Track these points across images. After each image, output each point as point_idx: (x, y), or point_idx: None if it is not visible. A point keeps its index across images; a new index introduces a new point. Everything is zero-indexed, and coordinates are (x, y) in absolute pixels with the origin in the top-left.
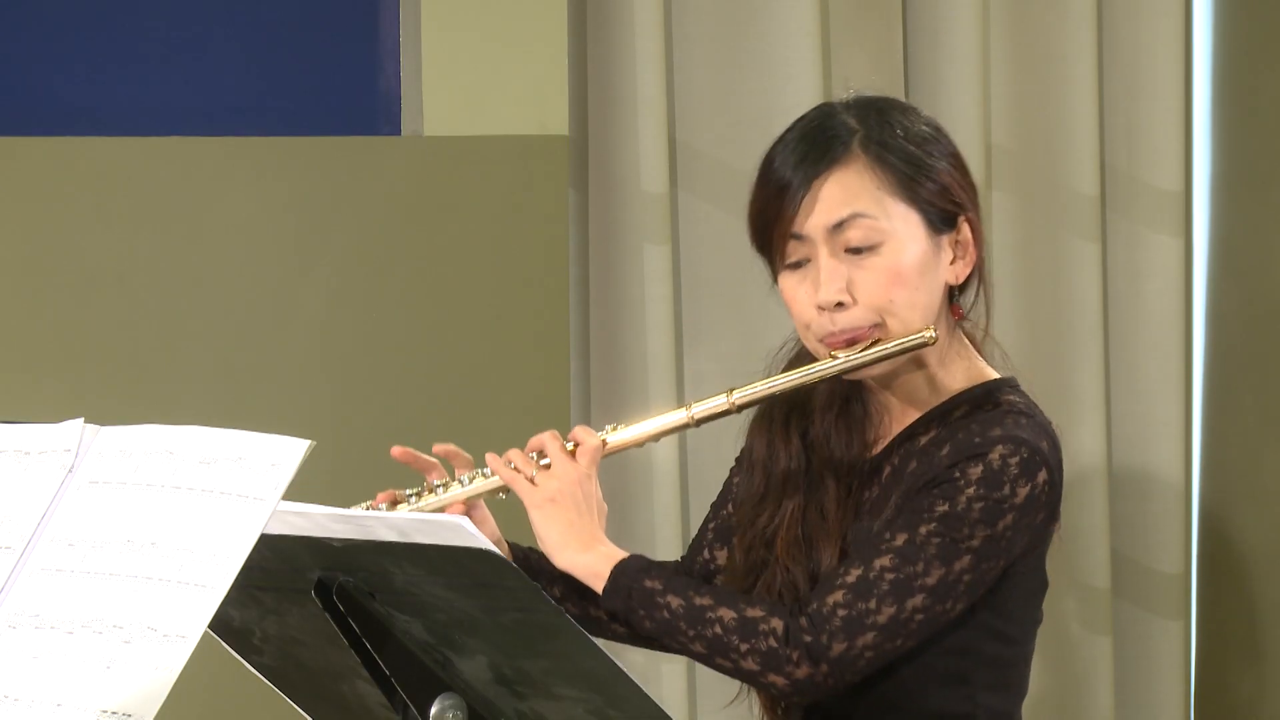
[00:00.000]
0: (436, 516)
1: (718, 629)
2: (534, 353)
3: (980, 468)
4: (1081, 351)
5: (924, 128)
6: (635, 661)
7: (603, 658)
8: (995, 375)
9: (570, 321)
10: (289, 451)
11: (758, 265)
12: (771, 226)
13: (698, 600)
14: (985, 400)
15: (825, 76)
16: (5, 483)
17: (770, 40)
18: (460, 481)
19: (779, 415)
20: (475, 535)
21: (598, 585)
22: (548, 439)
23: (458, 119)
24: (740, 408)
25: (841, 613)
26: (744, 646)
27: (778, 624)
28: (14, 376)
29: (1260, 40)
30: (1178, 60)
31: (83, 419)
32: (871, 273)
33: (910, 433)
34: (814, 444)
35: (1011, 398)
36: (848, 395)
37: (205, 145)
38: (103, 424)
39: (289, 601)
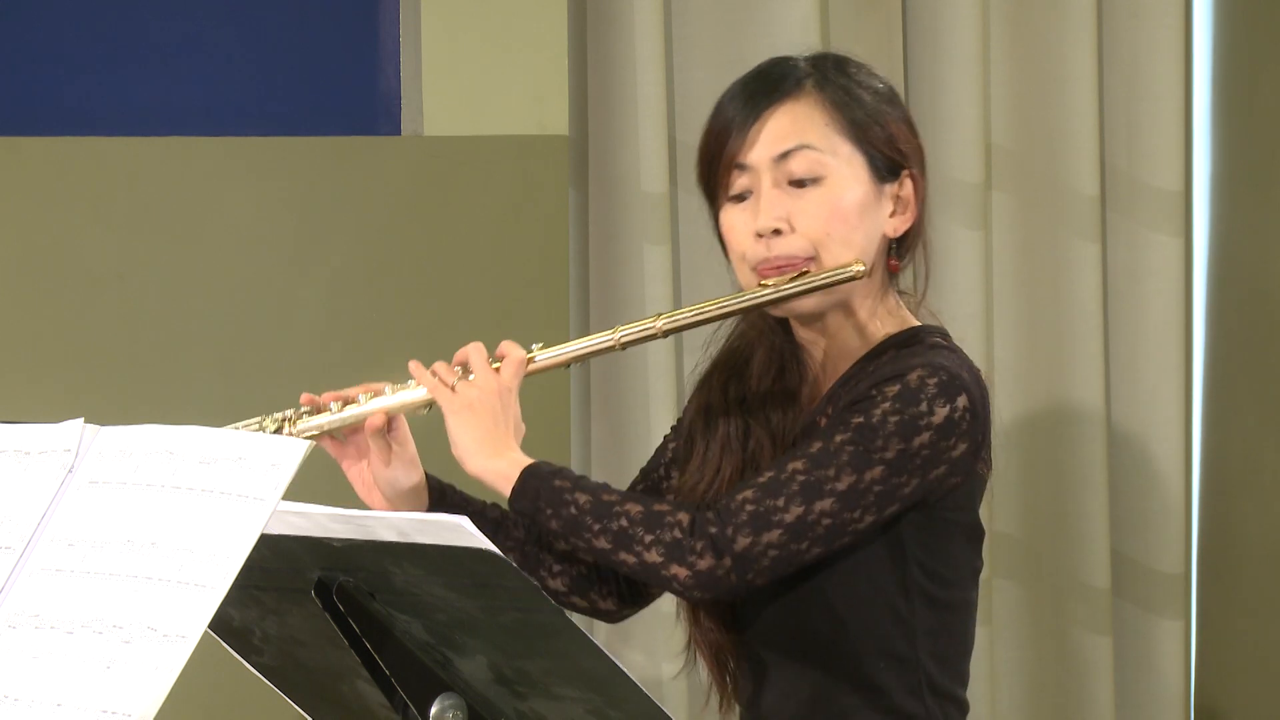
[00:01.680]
0: (437, 516)
1: (623, 521)
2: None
3: (898, 386)
4: (1081, 351)
5: (879, 84)
6: (635, 661)
7: (603, 658)
8: (919, 324)
9: (570, 321)
10: (289, 451)
11: None
12: (717, 158)
13: (605, 496)
14: (910, 341)
15: None
16: (5, 483)
17: (770, 40)
18: (385, 392)
19: (716, 383)
20: (475, 535)
21: (506, 488)
22: (472, 350)
23: (458, 119)
24: (667, 333)
25: (749, 508)
26: (648, 538)
27: (684, 516)
28: (14, 376)
29: (1260, 40)
30: (1178, 60)
31: (83, 419)
32: (812, 204)
33: (841, 383)
34: (750, 409)
35: (937, 339)
36: (784, 360)
37: (205, 145)
38: (103, 424)
39: (289, 601)
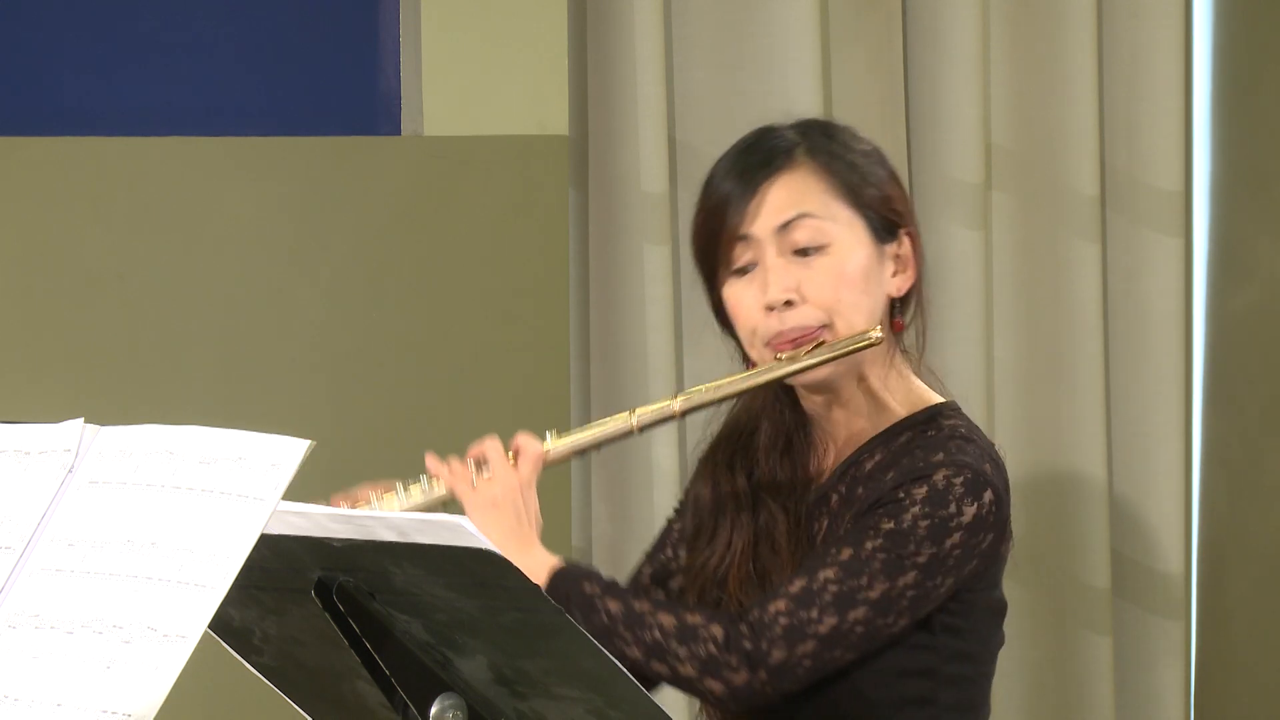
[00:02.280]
0: (437, 516)
1: (656, 634)
2: (534, 353)
3: (925, 488)
4: (1081, 351)
5: (864, 144)
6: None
7: (603, 658)
8: (936, 399)
9: (570, 321)
10: (289, 451)
11: None
12: (718, 233)
13: (637, 606)
14: (928, 425)
15: (825, 76)
16: (5, 483)
17: (770, 40)
18: (399, 491)
19: (723, 457)
20: (475, 535)
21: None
22: (489, 445)
23: (458, 119)
24: (684, 413)
25: (783, 621)
26: (682, 651)
27: (717, 630)
28: (14, 376)
29: (1260, 40)
30: (1178, 60)
31: (83, 419)
32: (820, 273)
33: (855, 459)
34: (760, 482)
35: (953, 422)
36: (790, 432)
37: (205, 145)
38: (103, 424)
39: (289, 601)
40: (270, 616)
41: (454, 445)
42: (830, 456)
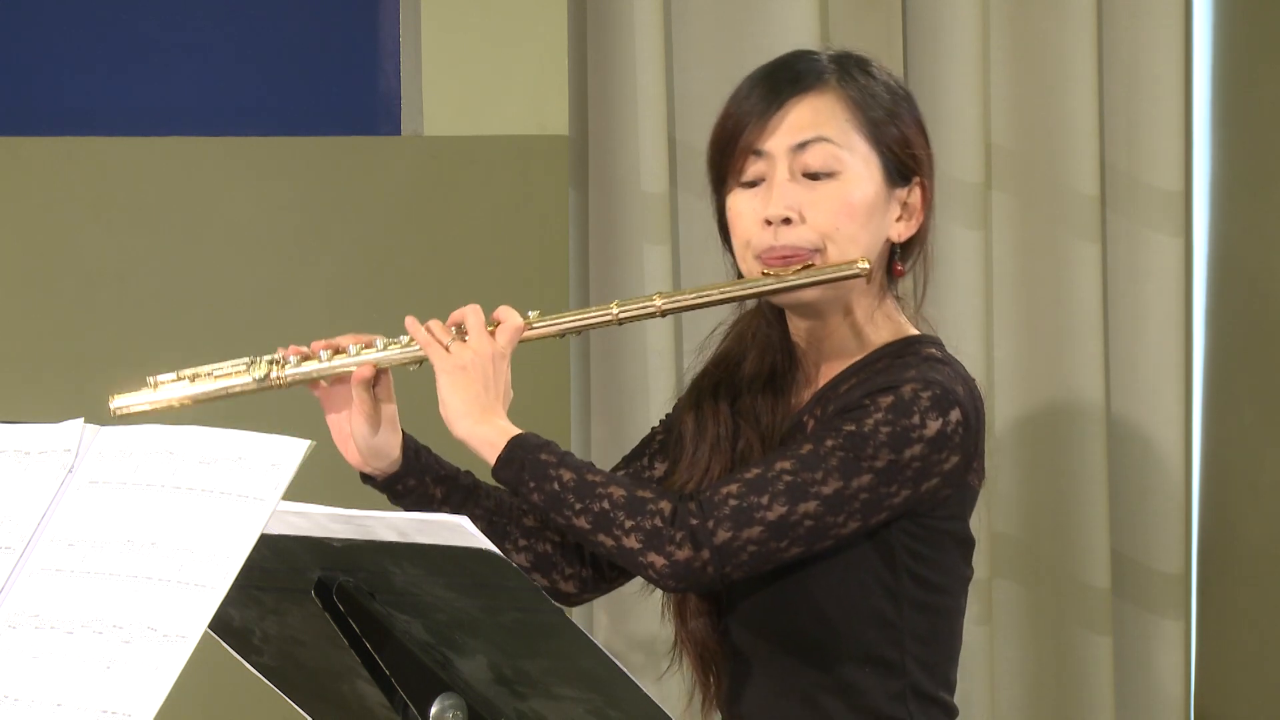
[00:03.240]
0: (437, 516)
1: (605, 504)
2: (534, 353)
3: (891, 397)
4: (1081, 351)
5: (899, 88)
6: (635, 662)
7: (603, 658)
8: (915, 331)
9: None
10: (289, 451)
11: None
12: (734, 141)
13: (590, 476)
14: (905, 351)
15: None
16: (5, 483)
17: (770, 40)
18: (376, 345)
19: (708, 384)
20: (476, 535)
21: (491, 455)
22: (469, 312)
23: (458, 119)
24: (665, 312)
25: (732, 503)
26: (628, 523)
27: (665, 505)
28: (14, 376)
29: (1260, 40)
30: (1178, 60)
31: (83, 419)
32: (824, 198)
33: (832, 385)
34: (741, 410)
35: (931, 350)
36: (776, 363)
37: (205, 145)
38: (103, 424)
39: (289, 601)
40: (270, 616)
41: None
42: (812, 387)
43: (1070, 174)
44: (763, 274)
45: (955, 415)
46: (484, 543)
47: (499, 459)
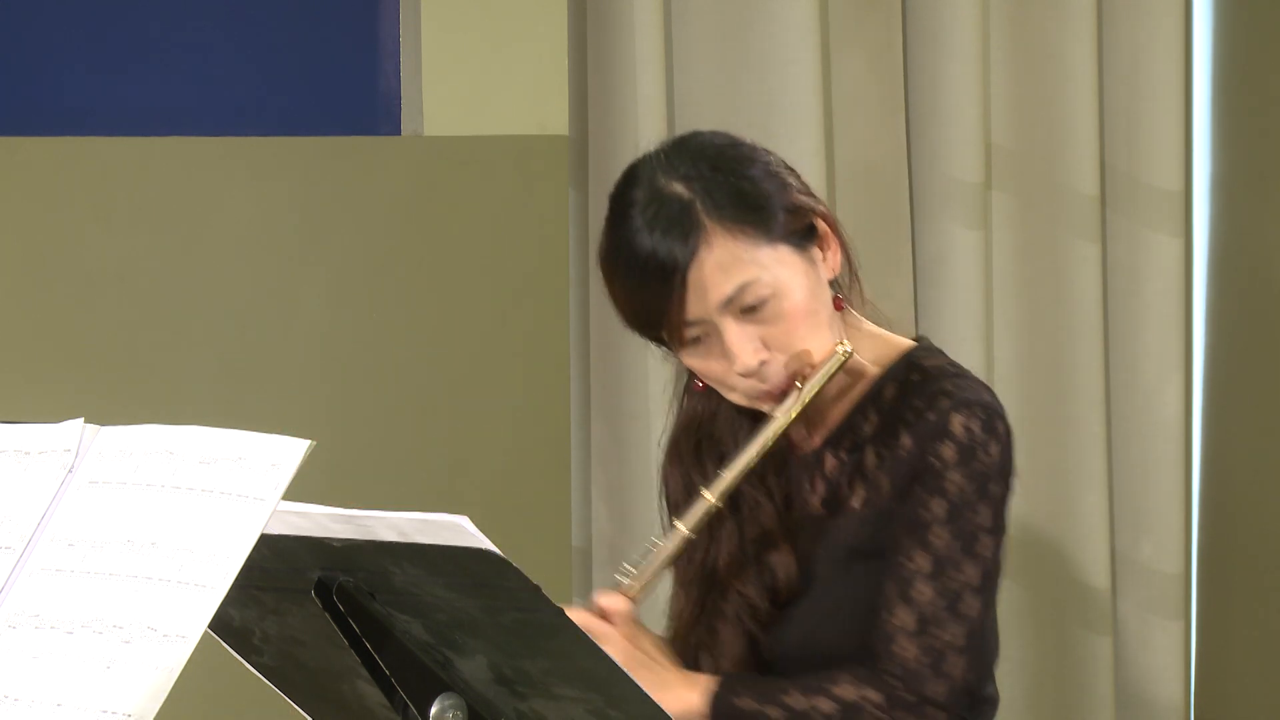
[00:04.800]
0: (437, 516)
1: None
2: (534, 353)
3: (951, 447)
4: (1081, 351)
5: (742, 159)
6: None
7: (603, 658)
8: (903, 342)
9: (570, 322)
10: (289, 451)
11: None
12: (660, 320)
13: (793, 703)
14: (909, 371)
15: (825, 76)
16: (5, 483)
17: (770, 40)
18: None
19: (687, 448)
20: (475, 535)
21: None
22: (579, 618)
23: (458, 119)
24: (721, 500)
25: (922, 659)
26: None
27: (873, 695)
28: (14, 376)
29: (1260, 40)
30: (1178, 60)
31: (83, 419)
32: (775, 324)
33: (850, 424)
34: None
35: (933, 361)
36: (753, 412)
37: (205, 145)
38: (103, 424)
39: (289, 601)
40: (270, 616)
41: (453, 445)
42: (815, 429)
43: (1070, 174)
44: (772, 416)
45: (1001, 427)
46: (484, 542)
47: None
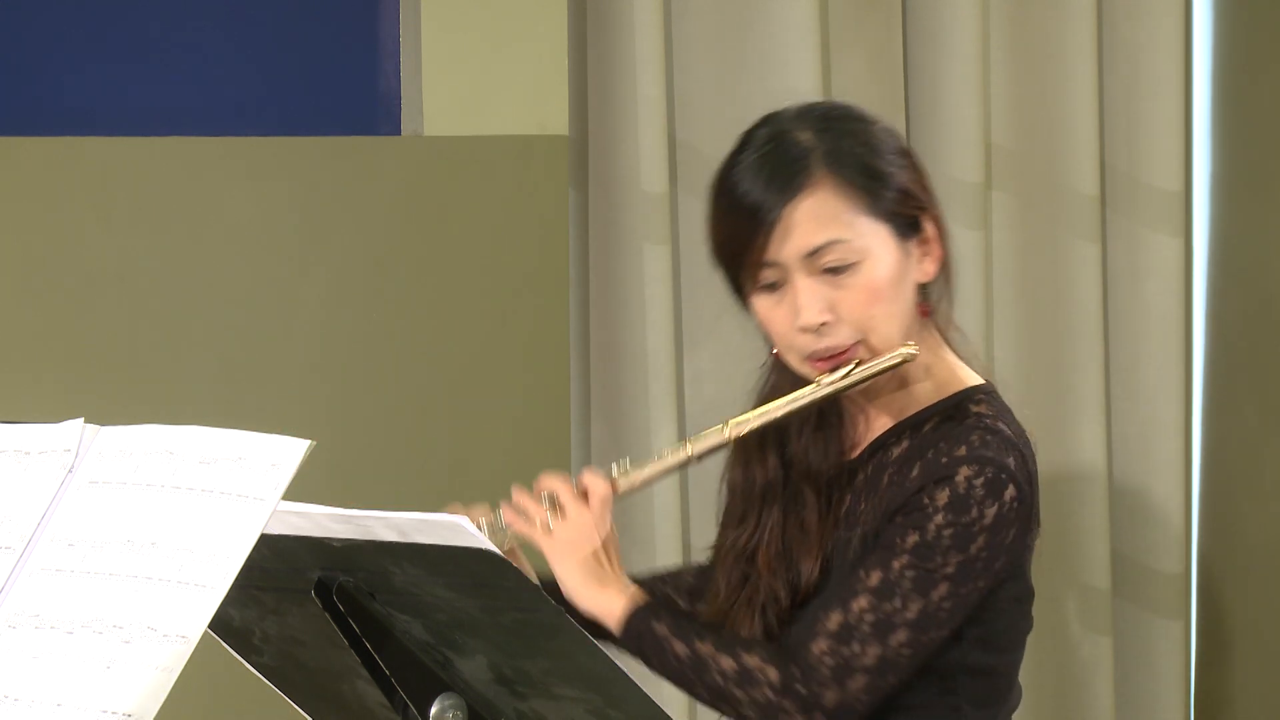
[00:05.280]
0: (436, 516)
1: (719, 678)
2: (534, 353)
3: (947, 492)
4: (1081, 351)
5: (872, 129)
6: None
7: (603, 658)
8: (968, 382)
9: (570, 321)
10: (289, 451)
11: None
12: (742, 254)
13: (700, 648)
14: (955, 411)
15: (825, 76)
16: (5, 483)
17: (770, 40)
18: (481, 527)
19: (754, 439)
20: (475, 535)
21: (614, 628)
22: (560, 488)
23: (458, 119)
24: (735, 438)
25: (829, 661)
26: (743, 696)
27: (774, 674)
28: (14, 376)
29: (1260, 40)
30: (1178, 60)
31: (83, 419)
32: (851, 291)
33: (882, 442)
34: (792, 458)
35: (981, 409)
36: (823, 407)
37: (205, 145)
38: (103, 424)
39: (289, 601)
40: (270, 616)
41: (453, 445)
42: (860, 432)
43: (1070, 174)
44: (815, 382)
45: (1009, 493)
46: (484, 543)
47: (620, 634)
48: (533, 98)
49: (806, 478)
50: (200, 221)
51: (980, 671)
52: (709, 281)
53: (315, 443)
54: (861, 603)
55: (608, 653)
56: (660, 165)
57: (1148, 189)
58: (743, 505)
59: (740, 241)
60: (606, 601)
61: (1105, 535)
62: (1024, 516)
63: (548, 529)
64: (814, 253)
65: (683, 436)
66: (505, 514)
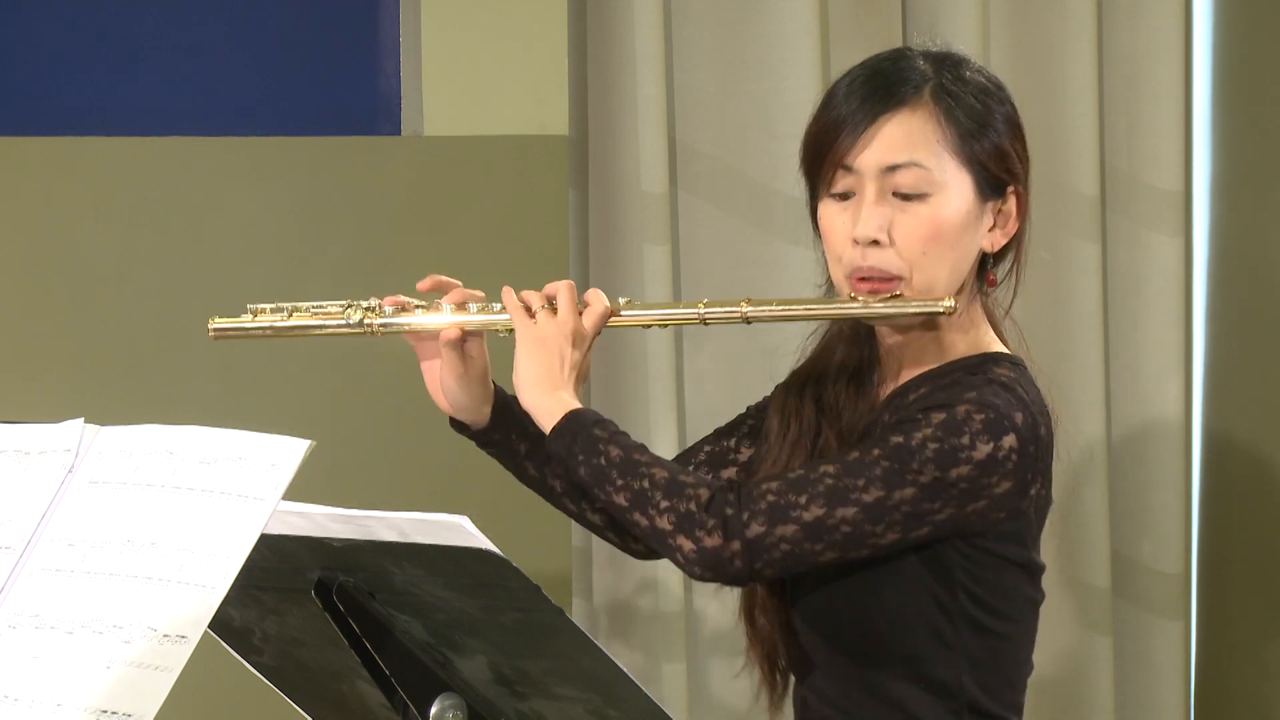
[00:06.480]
0: (437, 516)
1: (645, 483)
2: None
3: (943, 415)
4: (1082, 351)
5: (993, 88)
6: (635, 661)
7: (603, 658)
8: (999, 348)
9: None
10: (289, 451)
11: (757, 265)
12: (825, 153)
13: (637, 455)
14: (978, 368)
15: (825, 77)
16: (5, 483)
17: (770, 40)
18: (470, 309)
19: (796, 382)
20: (475, 535)
21: (549, 426)
22: (563, 287)
23: (458, 119)
24: (750, 320)
25: (770, 498)
26: (664, 503)
27: (704, 492)
28: (14, 376)
29: (1260, 41)
30: (1178, 60)
31: (83, 419)
32: (914, 220)
33: (902, 389)
34: (824, 409)
35: (1003, 370)
36: (861, 363)
37: (205, 145)
38: (103, 424)
39: (289, 601)
40: (270, 616)
41: (453, 445)
42: (889, 382)
43: (1070, 174)
44: (850, 297)
45: (1009, 441)
46: (484, 542)
47: (553, 430)
48: (533, 98)
49: (833, 424)
50: (200, 221)
51: (978, 629)
52: (709, 281)
53: (315, 443)
54: (828, 468)
55: (607, 653)
56: (660, 165)
57: (1148, 189)
58: (776, 447)
59: (827, 142)
60: (551, 402)
61: (1105, 535)
62: (1020, 475)
63: (530, 317)
64: (891, 169)
65: (683, 436)
66: (504, 294)
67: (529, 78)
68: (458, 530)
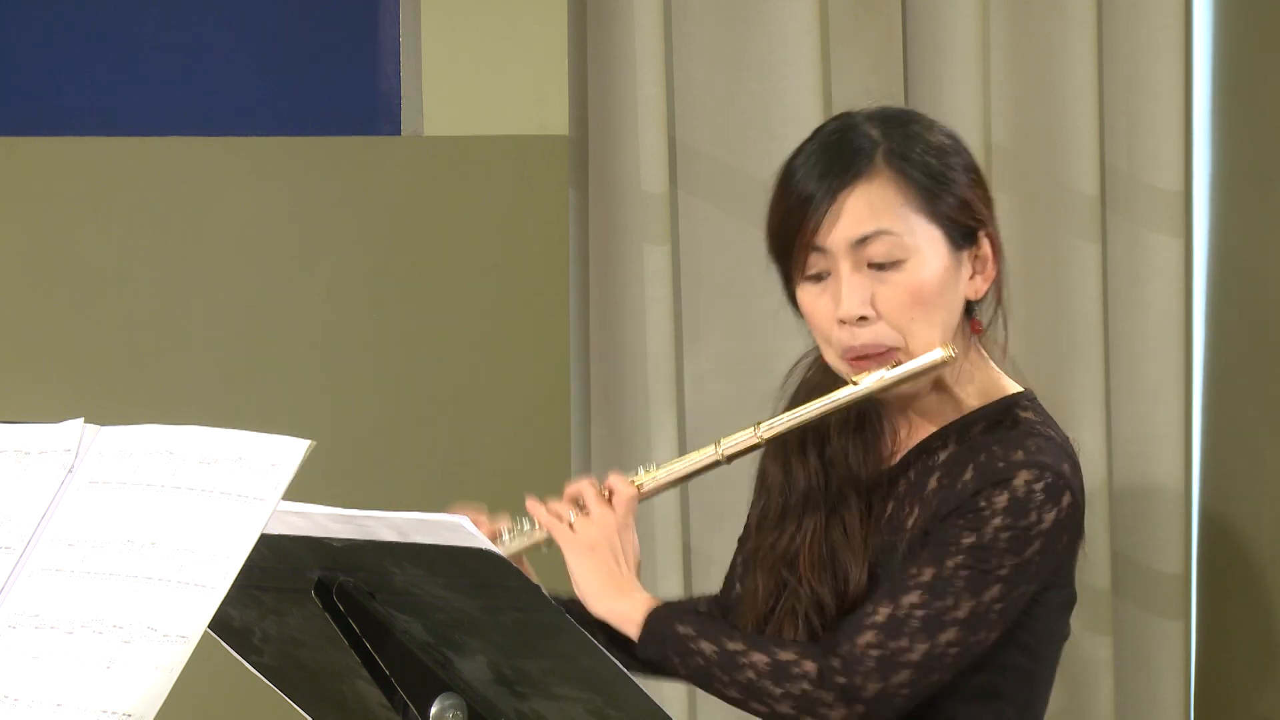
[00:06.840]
0: (437, 516)
1: (750, 674)
2: (534, 353)
3: (1006, 496)
4: (1081, 351)
5: (944, 139)
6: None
7: (603, 658)
8: (1011, 389)
9: (570, 321)
10: (289, 451)
11: (757, 265)
12: (792, 237)
13: (730, 645)
14: (1003, 416)
15: (825, 77)
16: (5, 483)
17: (770, 40)
18: (502, 538)
19: (794, 437)
20: (475, 535)
21: (633, 632)
22: (585, 486)
23: (458, 119)
24: (767, 440)
25: (874, 653)
26: (778, 691)
27: (810, 667)
28: (14, 376)
29: (1260, 40)
30: (1178, 60)
31: (83, 419)
32: (894, 289)
33: (926, 446)
34: (832, 461)
35: (1029, 415)
36: (863, 410)
37: (205, 145)
38: (103, 424)
39: (289, 601)
40: (270, 616)
41: (453, 445)
42: (901, 439)
43: (1070, 174)
44: (851, 382)
45: (1067, 500)
46: (484, 542)
47: (640, 637)
48: (533, 98)
49: (848, 481)
50: (200, 221)
51: (1023, 676)
52: (709, 281)
53: (315, 443)
54: (912, 598)
55: (607, 653)
56: (660, 165)
57: (1148, 189)
58: (781, 504)
59: (792, 226)
60: (625, 606)
61: (1105, 535)
62: (1077, 523)
63: (570, 527)
64: (862, 241)
65: (683, 436)
66: (531, 509)
67: (529, 78)
68: (458, 530)
